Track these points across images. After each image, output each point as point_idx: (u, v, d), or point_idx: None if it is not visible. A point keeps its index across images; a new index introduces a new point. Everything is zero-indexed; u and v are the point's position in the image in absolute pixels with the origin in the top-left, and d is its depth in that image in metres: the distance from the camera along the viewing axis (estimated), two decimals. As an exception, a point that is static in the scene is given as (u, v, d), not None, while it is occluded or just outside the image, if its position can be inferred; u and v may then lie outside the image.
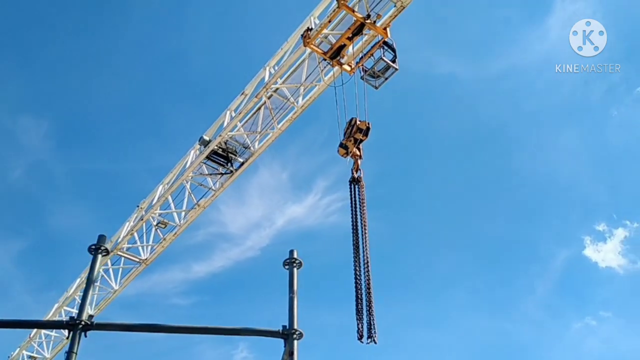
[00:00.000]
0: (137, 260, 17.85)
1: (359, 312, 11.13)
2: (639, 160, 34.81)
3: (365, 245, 11.86)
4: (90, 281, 4.40)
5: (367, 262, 11.62)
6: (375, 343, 11.06)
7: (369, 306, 11.21)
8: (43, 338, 20.17)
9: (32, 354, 20.34)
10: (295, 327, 4.45)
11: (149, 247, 17.63)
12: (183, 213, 16.71)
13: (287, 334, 4.39)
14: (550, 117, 35.68)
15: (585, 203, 36.41)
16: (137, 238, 17.58)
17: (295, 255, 4.74)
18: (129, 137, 38.09)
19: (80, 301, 4.35)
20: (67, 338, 4.00)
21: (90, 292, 4.39)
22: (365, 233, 11.90)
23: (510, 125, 36.32)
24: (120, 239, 17.68)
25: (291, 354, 4.28)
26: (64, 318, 4.33)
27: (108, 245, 18.48)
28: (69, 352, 3.97)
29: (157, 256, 17.80)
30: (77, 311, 4.45)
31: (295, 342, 4.43)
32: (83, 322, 4.09)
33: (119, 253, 17.75)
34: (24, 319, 4.35)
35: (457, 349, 35.47)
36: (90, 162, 38.14)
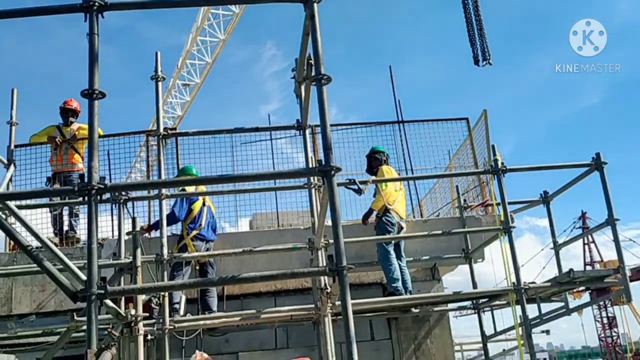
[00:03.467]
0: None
1: (471, 38, 11.19)
2: None
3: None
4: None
5: None
6: (491, 64, 11.25)
7: (480, 30, 11.15)
8: (212, 19, 21.46)
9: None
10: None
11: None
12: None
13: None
14: None
15: None
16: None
17: None
18: None
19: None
20: (85, 21, 3.45)
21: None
22: None
23: None
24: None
25: (312, 17, 3.79)
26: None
27: None
28: (90, 34, 3.77)
29: None
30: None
31: (315, 5, 3.82)
32: (97, 3, 3.79)
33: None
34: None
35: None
36: None
